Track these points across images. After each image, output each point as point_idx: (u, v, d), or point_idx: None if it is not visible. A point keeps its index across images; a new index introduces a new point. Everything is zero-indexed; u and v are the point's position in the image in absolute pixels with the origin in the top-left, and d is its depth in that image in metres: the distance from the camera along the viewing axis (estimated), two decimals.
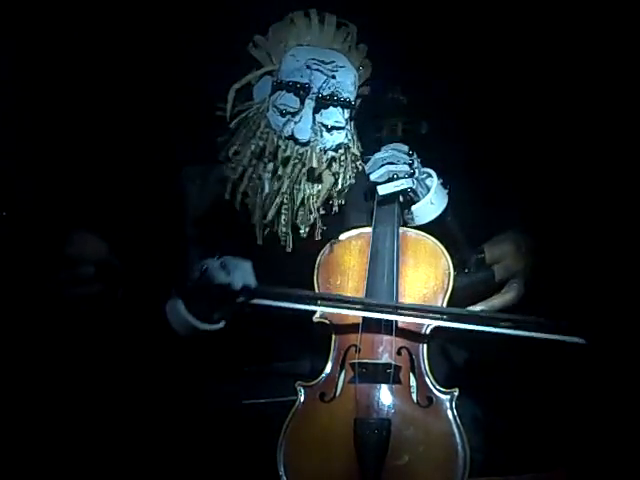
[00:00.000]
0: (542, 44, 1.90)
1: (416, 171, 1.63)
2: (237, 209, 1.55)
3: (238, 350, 1.65)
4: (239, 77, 1.56)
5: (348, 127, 1.56)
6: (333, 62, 1.53)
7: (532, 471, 1.47)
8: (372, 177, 1.63)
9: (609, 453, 1.50)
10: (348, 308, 1.52)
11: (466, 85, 1.94)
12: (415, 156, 1.65)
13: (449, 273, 1.56)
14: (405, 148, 1.66)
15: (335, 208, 1.57)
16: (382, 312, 1.50)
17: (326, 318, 1.55)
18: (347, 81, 1.54)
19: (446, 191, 1.65)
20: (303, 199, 1.53)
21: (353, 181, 1.59)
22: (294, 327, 1.62)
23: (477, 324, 1.49)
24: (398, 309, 1.51)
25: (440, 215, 1.62)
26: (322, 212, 1.55)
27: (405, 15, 1.93)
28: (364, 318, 1.52)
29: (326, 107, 1.54)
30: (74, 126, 1.82)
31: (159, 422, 1.58)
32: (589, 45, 1.84)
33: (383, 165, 1.63)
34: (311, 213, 1.54)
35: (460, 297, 1.58)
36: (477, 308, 1.60)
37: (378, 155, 1.65)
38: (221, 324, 1.51)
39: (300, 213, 1.53)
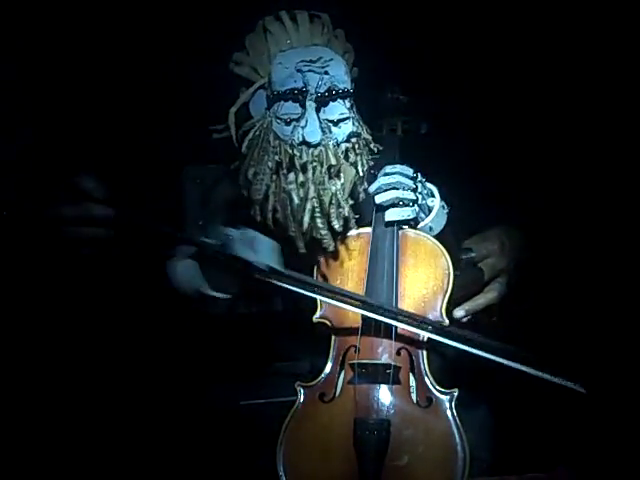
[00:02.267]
0: (542, 42, 1.89)
1: (419, 197, 1.61)
2: (271, 227, 1.53)
3: (238, 350, 1.65)
4: (225, 89, 1.54)
5: (352, 115, 1.54)
6: (321, 58, 1.51)
7: (532, 471, 1.47)
8: (377, 200, 1.61)
9: (609, 453, 1.50)
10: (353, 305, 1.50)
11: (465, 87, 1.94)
12: (419, 178, 1.63)
13: (449, 273, 1.56)
14: (410, 172, 1.63)
15: (362, 195, 1.57)
16: (382, 315, 1.49)
17: (326, 318, 1.55)
18: (340, 72, 1.52)
19: (446, 211, 1.63)
20: (331, 197, 1.51)
21: (372, 163, 1.58)
22: (294, 327, 1.63)
23: (474, 348, 1.47)
24: (397, 315, 1.49)
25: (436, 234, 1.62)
26: (351, 202, 1.54)
27: (404, 14, 1.92)
28: (364, 319, 1.51)
29: (326, 104, 1.52)
30: (73, 128, 1.82)
31: (158, 422, 1.58)
32: (587, 45, 1.84)
33: (388, 190, 1.60)
34: (341, 207, 1.53)
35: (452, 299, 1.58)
36: (464, 307, 1.59)
37: (384, 180, 1.60)
38: (228, 295, 1.49)
39: (332, 211, 1.52)
